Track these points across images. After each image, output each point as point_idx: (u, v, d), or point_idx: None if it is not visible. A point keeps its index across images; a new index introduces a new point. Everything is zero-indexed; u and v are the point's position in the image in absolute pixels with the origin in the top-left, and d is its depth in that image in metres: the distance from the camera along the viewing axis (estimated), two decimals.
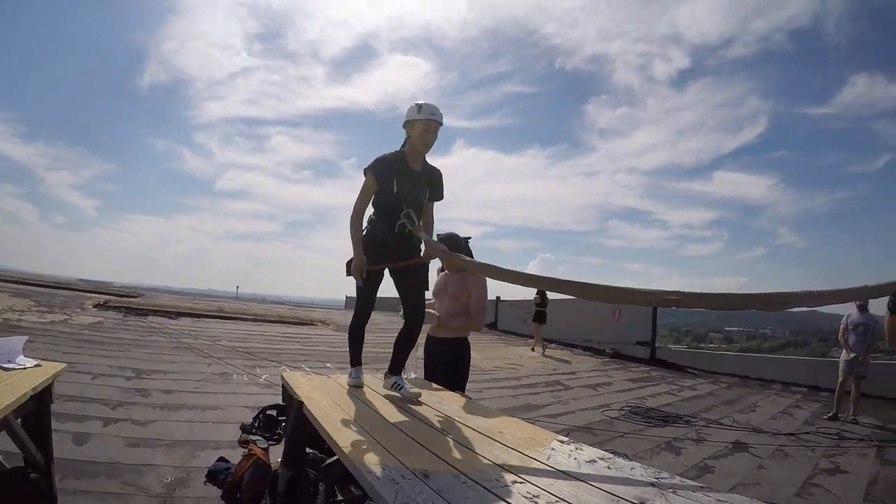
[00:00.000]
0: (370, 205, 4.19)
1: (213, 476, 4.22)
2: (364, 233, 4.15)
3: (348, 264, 4.15)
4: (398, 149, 4.20)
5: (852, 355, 9.89)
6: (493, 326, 23.46)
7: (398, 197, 4.08)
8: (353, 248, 4.07)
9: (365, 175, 4.12)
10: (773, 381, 14.13)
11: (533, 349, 16.94)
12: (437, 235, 4.75)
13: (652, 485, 2.23)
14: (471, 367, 4.87)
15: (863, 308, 9.92)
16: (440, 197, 4.36)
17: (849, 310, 10.14)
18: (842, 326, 10.15)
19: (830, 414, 9.98)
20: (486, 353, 14.54)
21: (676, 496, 2.11)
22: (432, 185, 4.26)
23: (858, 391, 10.00)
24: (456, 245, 4.64)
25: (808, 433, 8.65)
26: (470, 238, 4.78)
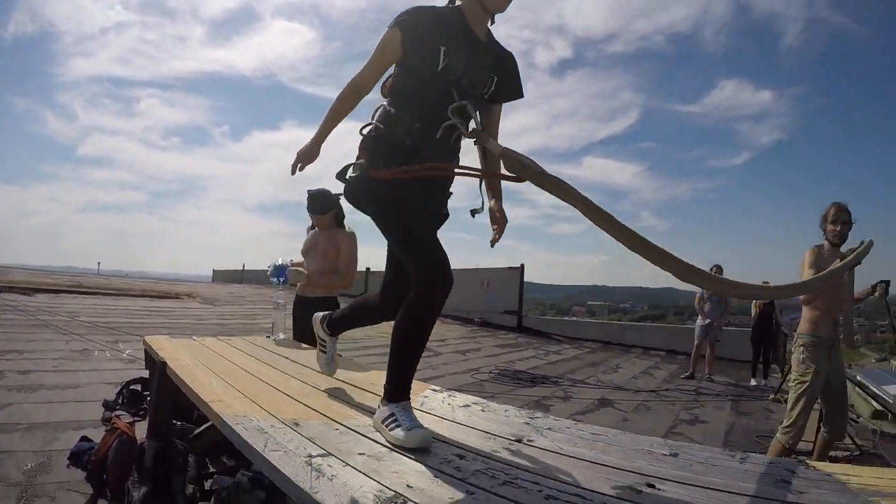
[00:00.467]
0: (388, 89, 2.59)
1: (76, 457, 3.98)
2: (375, 133, 2.48)
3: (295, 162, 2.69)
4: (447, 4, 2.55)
5: (707, 321, 10.67)
6: None
7: (445, 76, 2.38)
8: (316, 132, 2.62)
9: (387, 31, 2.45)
10: (634, 346, 14.90)
11: None
12: (308, 191, 4.65)
13: (527, 423, 2.30)
14: (341, 336, 4.83)
15: None
16: (518, 92, 2.68)
17: None
18: (698, 295, 10.88)
19: (688, 374, 10.73)
20: None
21: (553, 432, 2.19)
22: (503, 69, 2.57)
23: (713, 353, 10.78)
24: (330, 203, 4.59)
25: (667, 390, 9.25)
26: (341, 196, 4.73)
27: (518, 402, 6.94)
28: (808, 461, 2.10)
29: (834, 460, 6.04)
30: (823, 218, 4.59)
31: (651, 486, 1.71)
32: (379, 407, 2.26)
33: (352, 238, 4.66)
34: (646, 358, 13.24)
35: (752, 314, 11.03)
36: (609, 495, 1.62)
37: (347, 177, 2.56)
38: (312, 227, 4.87)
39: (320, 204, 4.59)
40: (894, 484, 1.85)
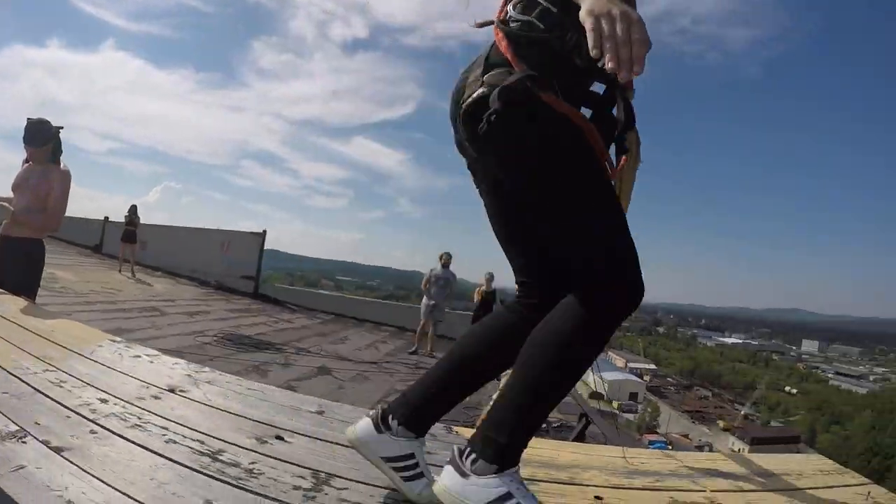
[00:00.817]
0: None
1: None
2: (536, 36, 1.56)
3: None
4: None
5: (432, 302, 11.33)
6: (97, 249, 21.85)
7: None
8: None
9: None
10: (368, 320, 15.29)
11: (120, 271, 16.19)
12: (28, 119, 4.29)
13: (188, 376, 2.35)
14: (63, 289, 4.49)
15: (446, 265, 11.48)
16: None
17: (434, 265, 11.60)
18: (426, 278, 11.53)
19: (413, 349, 11.34)
20: (83, 276, 13.46)
21: (210, 385, 2.27)
22: None
23: (435, 332, 11.53)
24: (48, 135, 4.25)
25: (389, 362, 9.71)
26: (62, 128, 4.39)
27: (237, 367, 6.90)
28: (453, 426, 2.32)
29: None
30: None
31: (280, 438, 1.84)
32: (467, 464, 1.48)
33: (66, 176, 4.30)
34: (376, 332, 13.71)
35: (475, 300, 11.98)
36: (231, 443, 1.73)
37: (481, 89, 1.54)
38: (27, 161, 4.47)
39: (38, 135, 4.19)
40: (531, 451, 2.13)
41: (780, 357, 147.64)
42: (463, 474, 1.45)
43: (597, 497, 1.82)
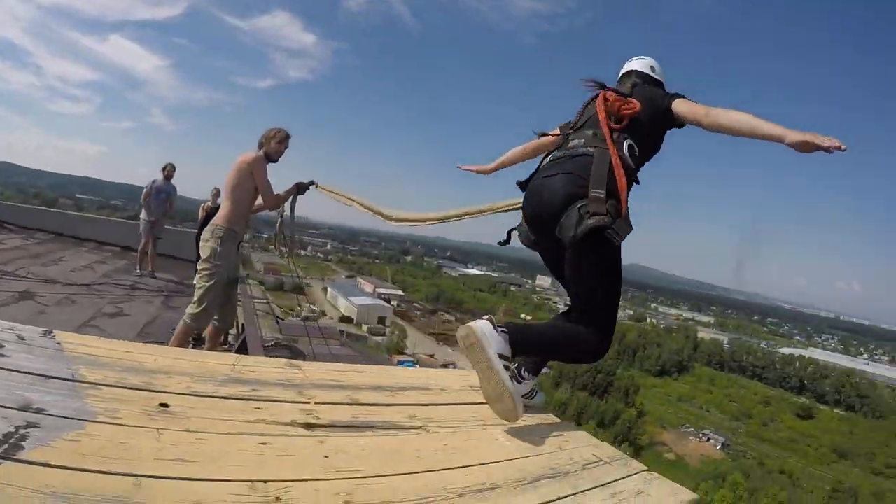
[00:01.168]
0: (637, 125, 2.50)
1: None
2: (631, 166, 2.46)
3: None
4: None
5: (152, 218, 10.89)
6: None
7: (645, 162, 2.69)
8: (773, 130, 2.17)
9: (678, 98, 2.54)
10: (90, 239, 14.39)
11: None
12: None
13: None
14: None
15: (168, 177, 11.06)
16: None
17: (156, 177, 11.06)
18: (146, 190, 10.93)
19: (137, 272, 10.85)
20: None
21: None
22: None
23: (155, 250, 11.11)
24: None
25: (102, 284, 9.33)
26: None
27: None
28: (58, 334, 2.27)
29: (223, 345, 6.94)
30: (273, 138, 5.12)
31: None
32: (521, 372, 2.77)
33: None
34: (97, 252, 13.01)
35: (200, 217, 11.33)
36: None
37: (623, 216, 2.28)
38: None
39: None
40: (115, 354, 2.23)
41: (517, 288, 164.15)
42: (506, 358, 2.23)
43: (162, 404, 1.86)
